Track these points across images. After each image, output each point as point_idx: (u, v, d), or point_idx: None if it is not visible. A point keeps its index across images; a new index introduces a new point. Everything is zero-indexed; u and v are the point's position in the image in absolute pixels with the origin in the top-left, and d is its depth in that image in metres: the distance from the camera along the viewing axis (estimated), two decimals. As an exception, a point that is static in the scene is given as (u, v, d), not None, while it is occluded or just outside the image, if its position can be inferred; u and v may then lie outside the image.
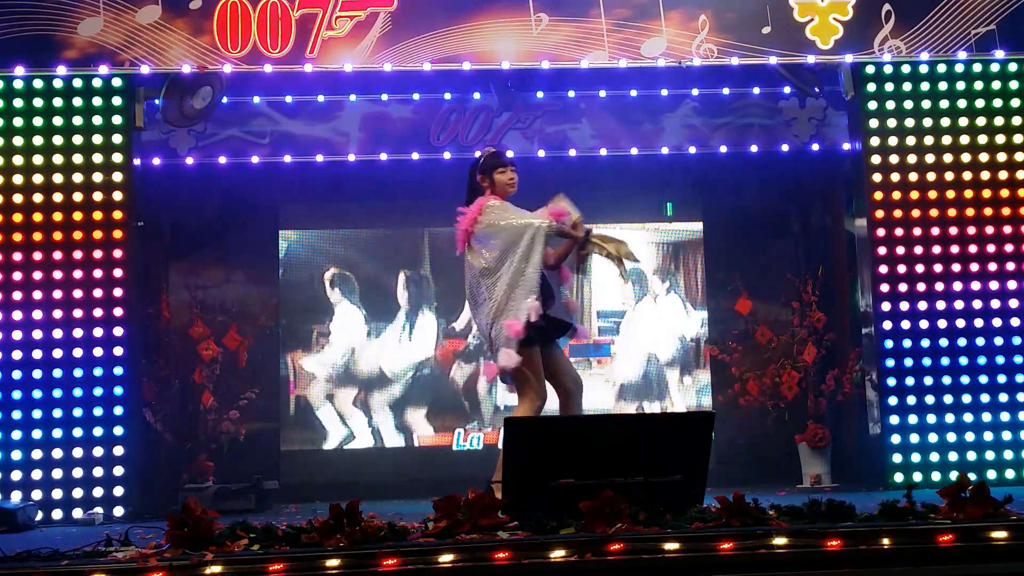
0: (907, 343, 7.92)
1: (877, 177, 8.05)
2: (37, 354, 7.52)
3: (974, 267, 7.97)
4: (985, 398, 7.87)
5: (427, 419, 9.16)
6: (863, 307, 8.21)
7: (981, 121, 8.06)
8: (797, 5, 7.96)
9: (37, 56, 7.64)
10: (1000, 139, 8.06)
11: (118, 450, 7.51)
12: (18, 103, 7.70)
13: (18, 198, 7.63)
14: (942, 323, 7.93)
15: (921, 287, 7.95)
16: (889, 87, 8.07)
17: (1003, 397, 7.87)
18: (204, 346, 8.57)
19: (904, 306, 7.94)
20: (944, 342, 7.92)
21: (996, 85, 8.07)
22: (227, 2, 7.71)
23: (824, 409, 8.65)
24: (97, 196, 7.67)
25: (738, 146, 8.97)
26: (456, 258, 6.31)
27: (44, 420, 7.47)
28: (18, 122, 7.69)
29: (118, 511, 7.42)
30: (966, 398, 7.87)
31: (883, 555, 4.19)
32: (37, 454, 7.44)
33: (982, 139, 8.06)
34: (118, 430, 7.53)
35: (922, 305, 7.94)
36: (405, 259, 9.27)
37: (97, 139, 7.72)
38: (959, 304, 7.94)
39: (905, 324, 7.93)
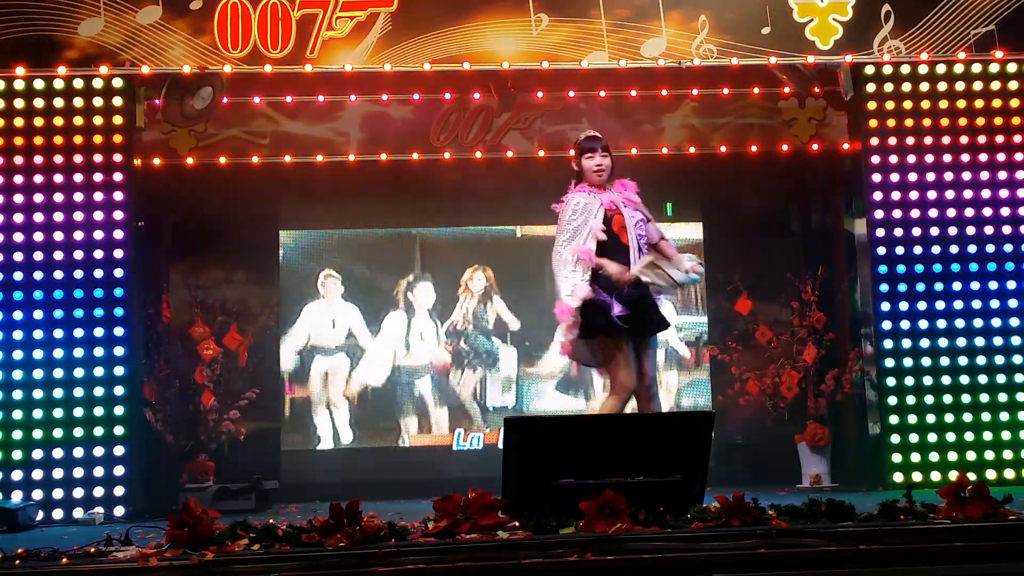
0: (907, 343, 7.92)
1: (877, 177, 8.05)
2: (38, 354, 7.51)
3: (973, 267, 7.97)
4: (985, 398, 7.86)
5: (427, 419, 9.16)
6: (863, 307, 8.21)
7: (981, 121, 8.06)
8: (797, 5, 7.97)
9: (37, 56, 7.64)
10: (1000, 139, 8.06)
11: (118, 450, 7.51)
12: (18, 103, 7.70)
13: (18, 198, 7.63)
14: (942, 323, 7.93)
15: (921, 287, 7.95)
16: (889, 87, 8.07)
17: (1003, 397, 7.87)
18: (204, 346, 8.58)
19: (904, 306, 7.95)
20: (944, 342, 7.92)
21: (996, 85, 8.08)
22: (227, 2, 7.72)
23: (824, 409, 8.65)
24: (97, 196, 7.67)
25: (738, 146, 8.97)
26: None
27: (44, 420, 7.47)
28: (18, 122, 7.69)
29: (118, 511, 7.42)
30: (966, 398, 7.87)
31: (883, 555, 4.19)
32: (37, 454, 7.44)
33: (982, 139, 8.06)
34: (118, 430, 7.53)
35: (922, 305, 7.94)
36: (404, 259, 9.26)
37: (97, 139, 7.72)
38: (959, 304, 7.94)
39: (905, 324, 7.93)
